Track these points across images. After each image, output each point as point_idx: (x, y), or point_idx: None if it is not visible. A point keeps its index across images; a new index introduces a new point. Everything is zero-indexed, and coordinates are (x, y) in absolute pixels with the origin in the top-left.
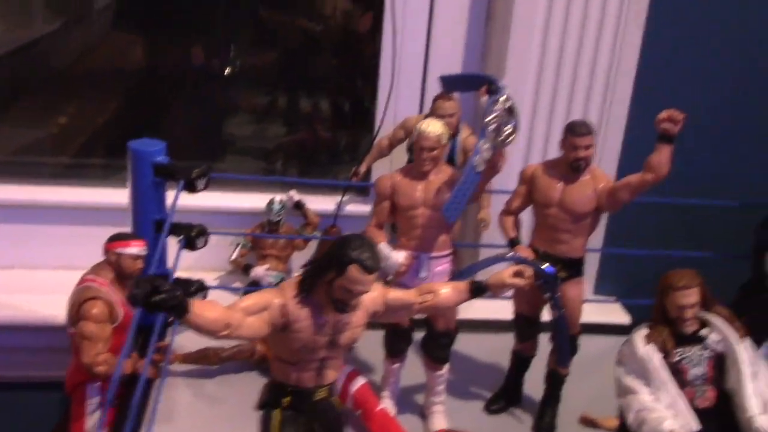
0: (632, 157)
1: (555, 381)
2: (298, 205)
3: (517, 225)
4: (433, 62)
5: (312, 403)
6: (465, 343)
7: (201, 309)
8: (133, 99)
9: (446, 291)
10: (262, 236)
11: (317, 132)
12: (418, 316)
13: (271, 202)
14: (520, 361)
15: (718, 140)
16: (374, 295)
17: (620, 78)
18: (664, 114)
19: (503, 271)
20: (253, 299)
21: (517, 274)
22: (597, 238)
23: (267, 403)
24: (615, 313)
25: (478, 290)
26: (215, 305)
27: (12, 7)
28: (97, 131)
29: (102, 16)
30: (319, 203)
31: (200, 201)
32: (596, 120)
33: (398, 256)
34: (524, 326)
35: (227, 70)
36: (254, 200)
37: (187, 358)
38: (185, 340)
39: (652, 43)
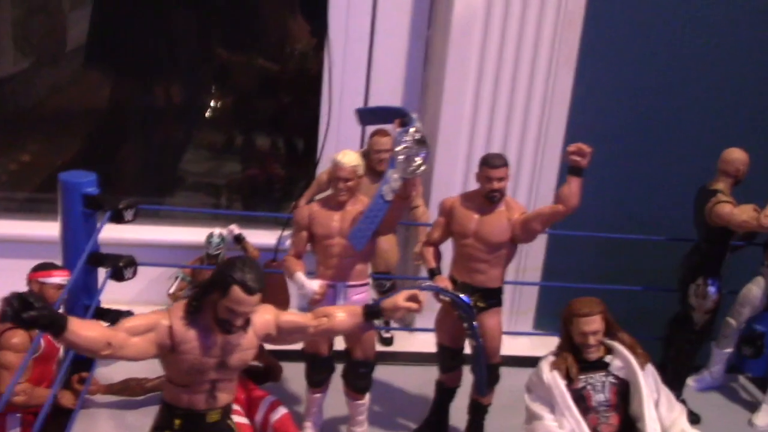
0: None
1: (476, 411)
2: (238, 239)
3: (437, 256)
4: (374, 99)
5: (204, 425)
6: (393, 375)
7: (79, 327)
8: (95, 137)
9: (341, 314)
10: (200, 267)
11: (267, 168)
12: (339, 347)
13: (210, 236)
14: (444, 392)
15: (651, 179)
16: (266, 318)
17: (552, 122)
18: (572, 147)
19: (397, 295)
20: (139, 320)
21: (411, 298)
22: (536, 273)
23: (158, 426)
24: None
25: (372, 313)
26: (96, 324)
27: None
28: (58, 169)
29: (72, 57)
30: (261, 237)
31: (139, 234)
32: (532, 158)
33: (313, 285)
34: (447, 357)
35: (190, 109)
36: (196, 234)
37: (110, 389)
38: (112, 372)
39: (583, 82)
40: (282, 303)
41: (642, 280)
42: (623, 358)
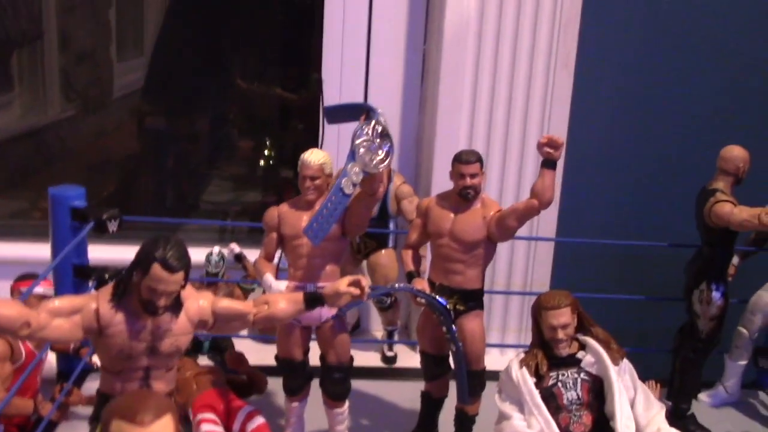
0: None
1: (462, 421)
2: (239, 258)
3: (416, 259)
4: None
5: None
6: (385, 389)
7: None
8: (130, 171)
9: (282, 302)
10: (197, 280)
11: (284, 196)
12: (314, 351)
13: (209, 254)
14: (431, 402)
15: (654, 183)
16: (201, 304)
17: (553, 128)
18: (544, 139)
19: (339, 280)
20: (65, 302)
21: (354, 283)
22: (544, 288)
23: (94, 416)
24: None
25: (313, 300)
26: (15, 303)
27: (32, 93)
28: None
29: (119, 104)
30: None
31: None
32: (534, 165)
33: (280, 286)
34: (430, 364)
35: (214, 140)
36: (195, 254)
37: (91, 400)
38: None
39: (582, 90)
40: None
41: (649, 291)
42: (596, 354)
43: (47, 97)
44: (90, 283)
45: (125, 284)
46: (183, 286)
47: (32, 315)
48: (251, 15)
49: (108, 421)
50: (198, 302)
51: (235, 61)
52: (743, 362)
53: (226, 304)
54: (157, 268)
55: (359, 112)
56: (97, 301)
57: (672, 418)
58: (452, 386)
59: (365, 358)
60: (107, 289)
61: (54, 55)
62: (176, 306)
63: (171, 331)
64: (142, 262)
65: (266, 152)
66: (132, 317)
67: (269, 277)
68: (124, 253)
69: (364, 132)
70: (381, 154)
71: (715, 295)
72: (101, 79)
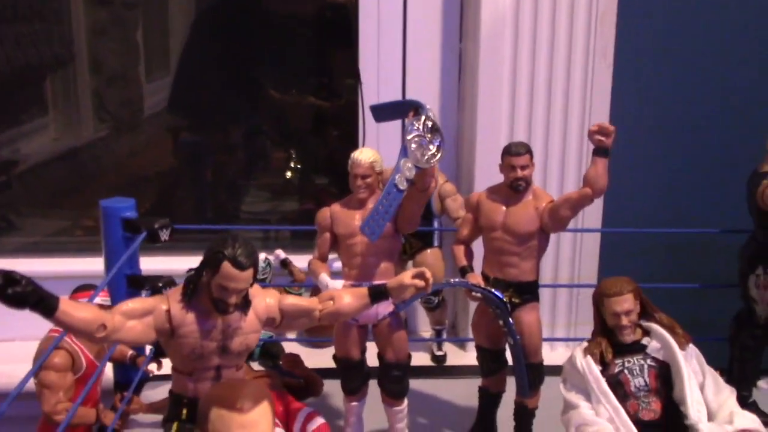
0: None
1: (522, 415)
2: (284, 263)
3: (468, 254)
4: None
5: None
6: (441, 387)
7: (71, 308)
8: (167, 187)
9: (347, 297)
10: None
11: (322, 203)
12: (372, 350)
13: None
14: (488, 397)
15: (702, 171)
16: (269, 302)
17: (594, 119)
18: (594, 127)
19: (403, 273)
20: (137, 304)
21: (418, 275)
22: (592, 280)
23: (167, 417)
24: None
25: (377, 294)
26: (90, 306)
27: (66, 116)
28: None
29: (149, 123)
30: (307, 262)
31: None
32: (576, 159)
33: (336, 285)
34: (487, 359)
35: (249, 151)
36: None
37: (151, 407)
38: (157, 393)
39: (622, 80)
40: None
41: (701, 279)
42: (661, 339)
43: (81, 119)
44: (143, 293)
45: (195, 284)
46: (251, 284)
47: (107, 317)
48: (281, 24)
49: (207, 410)
50: (265, 300)
51: (266, 71)
52: None
53: (293, 300)
54: (227, 266)
55: (407, 108)
56: (167, 302)
57: None
58: (510, 381)
59: (415, 358)
60: (177, 290)
61: (86, 77)
62: (245, 304)
63: (241, 329)
64: (211, 261)
65: (292, 164)
66: (203, 317)
67: (325, 277)
68: (173, 263)
69: (415, 128)
70: (432, 148)
71: None
72: (132, 99)
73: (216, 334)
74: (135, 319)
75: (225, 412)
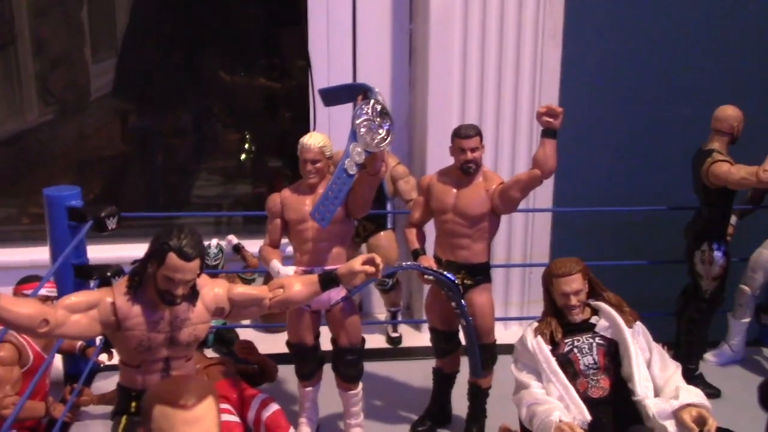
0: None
1: (475, 394)
2: (237, 249)
3: (420, 237)
4: None
5: None
6: (395, 369)
7: (11, 304)
8: (115, 171)
9: (297, 284)
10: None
11: (276, 187)
12: (326, 335)
13: (207, 247)
14: (442, 378)
15: (648, 150)
16: (217, 291)
17: (544, 100)
18: (542, 108)
19: (353, 260)
20: (81, 297)
21: (368, 261)
22: (544, 259)
23: (116, 410)
24: None
25: (328, 281)
26: (31, 301)
27: (8, 100)
28: None
29: (97, 105)
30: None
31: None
32: (527, 139)
33: (288, 271)
34: (440, 341)
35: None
36: None
37: (102, 398)
38: (108, 385)
39: (571, 61)
40: None
41: (649, 256)
42: (609, 318)
43: (24, 102)
44: (91, 283)
45: (140, 276)
46: (198, 275)
47: (50, 312)
48: (230, 5)
49: (150, 408)
50: (214, 290)
51: (215, 52)
52: (746, 320)
53: (242, 290)
54: (172, 257)
55: (356, 92)
56: (113, 295)
57: None
58: (463, 361)
59: (371, 340)
60: (122, 283)
61: (28, 59)
62: (193, 295)
63: (189, 320)
64: (156, 253)
65: (246, 145)
66: (149, 309)
67: (276, 263)
68: (122, 251)
69: (364, 111)
70: (382, 132)
71: (717, 254)
72: (77, 81)
73: (163, 325)
74: (79, 312)
75: (168, 410)
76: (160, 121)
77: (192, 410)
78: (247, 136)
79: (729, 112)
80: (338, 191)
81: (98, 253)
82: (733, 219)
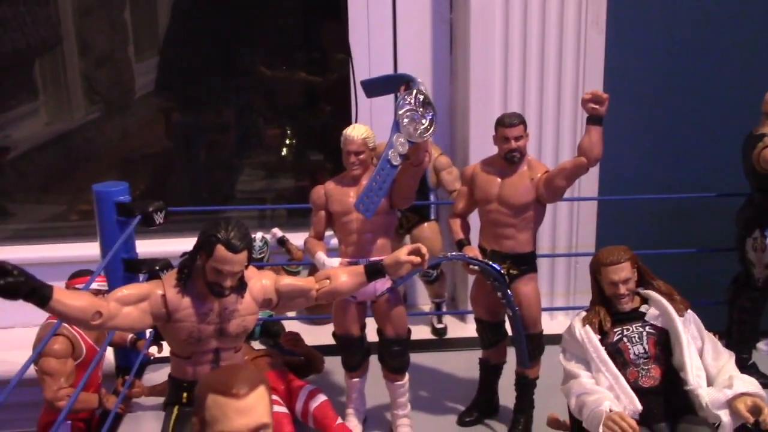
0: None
1: (523, 385)
2: (281, 242)
3: (465, 227)
4: None
5: None
6: (442, 360)
7: (65, 296)
8: (160, 169)
9: (344, 275)
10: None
11: (317, 180)
12: (371, 327)
13: (252, 240)
14: (489, 369)
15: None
16: (264, 283)
17: (588, 88)
18: (587, 94)
19: (399, 250)
20: (132, 290)
21: (414, 252)
22: (590, 249)
23: (168, 401)
24: None
25: (374, 271)
26: (84, 294)
27: (56, 100)
28: None
29: (141, 104)
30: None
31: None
32: (571, 129)
33: (333, 263)
34: (486, 332)
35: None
36: None
37: (153, 390)
38: (158, 378)
39: (614, 48)
40: None
41: (699, 244)
42: (659, 306)
43: (71, 101)
44: (140, 277)
45: (189, 268)
46: (246, 266)
47: (102, 304)
48: (268, 0)
49: (203, 397)
50: (261, 281)
51: (255, 48)
52: None
53: (289, 281)
54: (221, 249)
55: (398, 83)
56: (163, 287)
57: None
58: (510, 352)
59: (416, 331)
60: (172, 275)
61: (75, 59)
62: (241, 286)
63: (238, 311)
64: (205, 245)
65: (287, 140)
66: (199, 301)
67: (321, 255)
68: (169, 246)
69: (407, 102)
70: (425, 122)
71: None
72: (122, 79)
73: (213, 317)
74: (130, 305)
75: (221, 399)
76: (203, 118)
77: (245, 399)
78: (288, 131)
79: None
80: (382, 182)
81: (147, 247)
82: None
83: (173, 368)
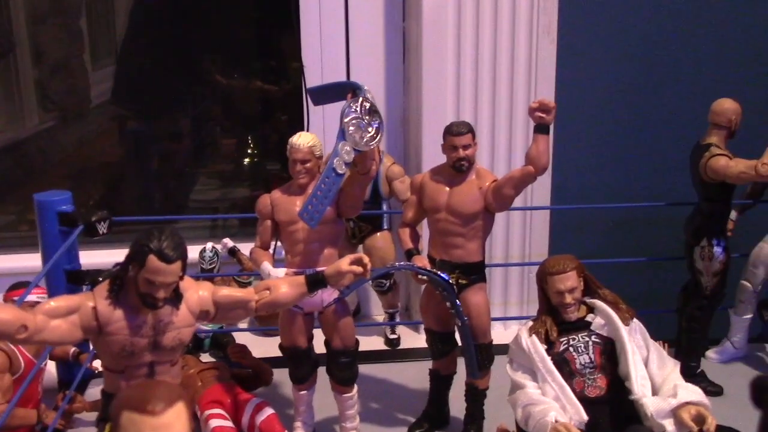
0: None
1: (473, 396)
2: (232, 252)
3: (414, 237)
4: None
5: None
6: (392, 372)
7: None
8: (114, 177)
9: (284, 286)
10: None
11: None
12: (319, 338)
13: (203, 250)
14: (439, 379)
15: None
16: (202, 294)
17: (539, 93)
18: (534, 103)
19: (341, 260)
20: (61, 302)
21: (355, 261)
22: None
23: (101, 417)
24: None
25: (315, 282)
26: (9, 307)
27: (8, 107)
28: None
29: (98, 112)
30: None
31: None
32: (523, 137)
33: (278, 273)
34: (436, 342)
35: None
36: (190, 251)
37: (95, 405)
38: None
39: (566, 57)
40: None
41: (649, 252)
42: (605, 315)
43: (24, 109)
44: (84, 288)
45: (121, 280)
46: (181, 277)
47: (28, 318)
48: (225, 9)
49: (117, 414)
50: (198, 292)
51: (210, 56)
52: (748, 316)
53: (227, 292)
54: (153, 260)
55: (345, 90)
56: (94, 299)
57: (682, 376)
58: (460, 362)
59: (368, 342)
60: (104, 286)
61: (28, 67)
62: (176, 298)
63: (173, 323)
64: (136, 255)
65: (249, 150)
66: (132, 313)
67: (267, 265)
68: (115, 256)
69: (353, 110)
70: (371, 130)
71: (717, 250)
72: (77, 87)
73: (146, 330)
74: (59, 318)
75: (136, 416)
76: (157, 126)
77: (160, 416)
78: (245, 140)
79: (726, 106)
80: (327, 191)
81: (93, 258)
82: (733, 214)
83: (106, 383)
